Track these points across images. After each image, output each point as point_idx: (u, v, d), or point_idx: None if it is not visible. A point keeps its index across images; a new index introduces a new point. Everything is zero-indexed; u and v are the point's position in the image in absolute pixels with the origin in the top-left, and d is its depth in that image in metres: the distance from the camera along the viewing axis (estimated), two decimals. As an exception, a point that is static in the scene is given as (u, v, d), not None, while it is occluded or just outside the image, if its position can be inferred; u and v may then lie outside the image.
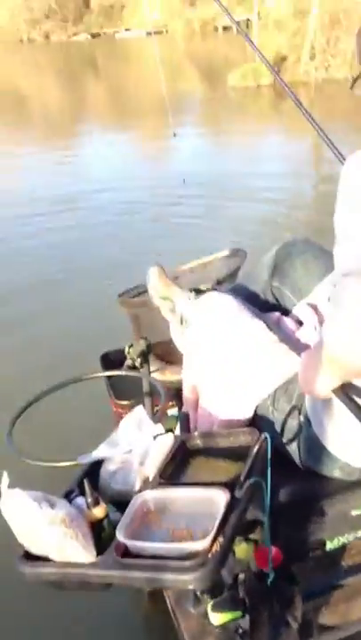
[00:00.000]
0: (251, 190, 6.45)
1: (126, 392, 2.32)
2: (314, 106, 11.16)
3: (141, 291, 2.45)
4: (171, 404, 2.25)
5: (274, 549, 1.33)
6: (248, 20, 24.52)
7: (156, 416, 1.97)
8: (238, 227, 5.34)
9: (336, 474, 1.42)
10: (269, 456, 1.28)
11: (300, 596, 1.43)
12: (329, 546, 1.49)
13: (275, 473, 1.30)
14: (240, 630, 1.50)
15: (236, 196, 6.32)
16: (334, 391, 1.19)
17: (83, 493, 1.37)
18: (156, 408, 2.12)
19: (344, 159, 1.82)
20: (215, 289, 1.79)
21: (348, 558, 1.70)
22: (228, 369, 1.55)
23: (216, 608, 1.38)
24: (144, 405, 2.23)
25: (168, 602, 1.77)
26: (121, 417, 2.31)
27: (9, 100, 15.57)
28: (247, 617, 1.37)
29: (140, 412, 1.48)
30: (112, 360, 2.48)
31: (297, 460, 1.47)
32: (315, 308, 1.54)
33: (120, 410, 2.32)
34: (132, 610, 2.18)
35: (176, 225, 5.66)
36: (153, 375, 2.12)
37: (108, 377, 2.38)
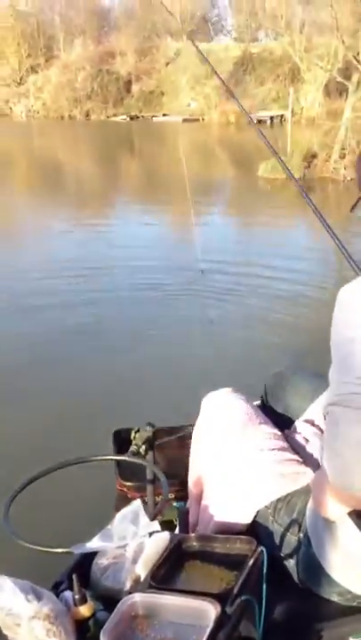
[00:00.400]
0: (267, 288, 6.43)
1: (133, 473, 2.29)
2: (341, 204, 11.45)
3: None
4: (173, 496, 2.21)
5: None
6: (282, 115, 25.63)
7: (158, 506, 1.94)
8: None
9: (334, 598, 1.37)
10: (265, 571, 1.24)
11: None
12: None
13: (270, 587, 1.27)
14: None
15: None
16: (349, 514, 1.18)
17: (72, 587, 1.34)
18: (158, 497, 2.09)
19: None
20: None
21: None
22: (233, 470, 1.53)
23: None
24: (145, 495, 2.22)
25: None
26: (126, 497, 2.29)
27: (48, 170, 16.14)
28: None
29: (137, 506, 1.46)
30: (124, 438, 2.44)
31: (295, 577, 1.42)
32: (312, 423, 1.55)
33: (125, 490, 2.29)
34: None
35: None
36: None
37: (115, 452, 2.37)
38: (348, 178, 12.53)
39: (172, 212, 9.85)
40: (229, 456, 1.55)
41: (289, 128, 18.84)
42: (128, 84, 35.42)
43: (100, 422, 3.29)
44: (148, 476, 2.13)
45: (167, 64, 35.05)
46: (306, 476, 1.47)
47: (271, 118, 26.25)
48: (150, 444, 2.12)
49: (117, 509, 2.35)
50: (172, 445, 2.35)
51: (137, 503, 1.47)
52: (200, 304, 5.81)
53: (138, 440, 2.07)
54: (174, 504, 2.19)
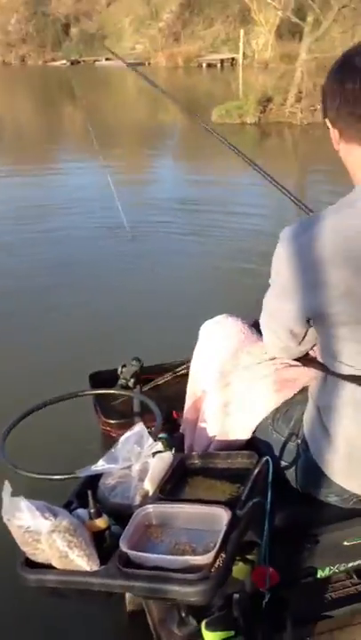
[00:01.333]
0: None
1: (115, 411, 2.35)
2: (298, 147, 11.52)
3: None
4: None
5: (271, 570, 1.36)
6: (233, 59, 25.23)
7: (155, 428, 2.01)
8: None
9: (332, 499, 1.47)
10: (270, 479, 1.32)
11: (291, 622, 1.46)
12: (320, 574, 1.53)
13: (272, 494, 1.35)
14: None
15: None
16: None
17: (82, 505, 1.40)
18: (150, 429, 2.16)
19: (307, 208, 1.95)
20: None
21: (336, 589, 1.75)
22: (232, 390, 1.60)
23: (210, 627, 1.41)
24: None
25: (150, 623, 1.79)
26: (110, 435, 2.35)
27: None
28: (240, 638, 1.39)
29: (140, 429, 1.52)
30: (101, 380, 2.49)
31: (294, 484, 1.51)
32: None
33: (108, 429, 2.34)
34: (112, 630, 2.17)
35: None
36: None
37: (97, 396, 2.41)
38: (305, 122, 12.53)
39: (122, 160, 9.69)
40: (227, 376, 1.62)
41: (240, 72, 18.66)
42: (66, 26, 33.88)
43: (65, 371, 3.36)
44: (136, 408, 2.20)
45: (108, 5, 33.75)
46: (304, 378, 1.56)
47: (222, 62, 25.82)
48: (138, 378, 2.18)
49: (104, 450, 2.43)
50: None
51: (140, 426, 1.53)
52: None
53: (125, 374, 2.13)
54: (160, 435, 2.27)
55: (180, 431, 1.86)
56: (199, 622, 1.62)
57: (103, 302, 4.61)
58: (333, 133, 1.37)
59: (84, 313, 4.40)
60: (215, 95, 16.96)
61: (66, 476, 1.54)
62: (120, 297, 4.72)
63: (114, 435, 2.33)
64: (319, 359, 1.46)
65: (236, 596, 1.40)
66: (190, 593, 1.16)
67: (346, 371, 1.35)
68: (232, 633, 1.40)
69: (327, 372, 1.41)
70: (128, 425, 2.24)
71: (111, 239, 6.01)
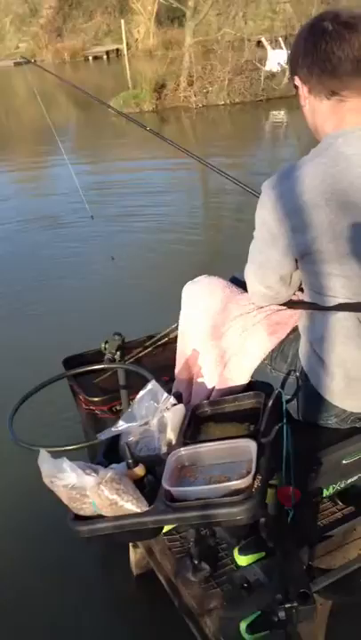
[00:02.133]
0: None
1: (97, 389, 2.43)
2: (196, 130, 11.76)
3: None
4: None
5: (293, 488, 1.52)
6: (118, 49, 25.21)
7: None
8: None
9: (332, 421, 1.64)
10: (285, 407, 1.48)
11: (307, 539, 1.63)
12: (325, 492, 1.70)
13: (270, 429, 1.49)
14: (245, 584, 1.69)
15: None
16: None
17: (112, 462, 1.51)
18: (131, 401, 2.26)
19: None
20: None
21: (325, 516, 1.93)
22: (226, 340, 1.74)
23: (242, 552, 1.55)
24: (116, 405, 2.38)
25: (163, 579, 1.91)
26: (92, 414, 2.44)
27: None
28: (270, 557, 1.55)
29: (153, 386, 1.63)
30: (75, 364, 2.55)
31: (295, 415, 1.68)
32: None
33: (92, 407, 2.42)
34: (121, 598, 2.28)
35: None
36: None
37: (75, 378, 2.48)
38: (200, 104, 12.82)
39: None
40: (220, 328, 1.76)
41: (127, 62, 18.70)
42: None
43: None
44: (121, 381, 2.30)
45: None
46: (293, 318, 1.71)
47: (107, 53, 25.75)
48: (122, 350, 2.28)
49: (88, 431, 2.51)
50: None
51: (152, 384, 1.64)
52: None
53: (110, 348, 2.22)
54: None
55: (174, 391, 1.98)
56: (211, 566, 1.77)
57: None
58: (302, 90, 1.53)
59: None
60: (106, 87, 16.96)
61: (91, 442, 1.65)
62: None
63: (98, 412, 2.43)
64: (305, 298, 1.62)
65: (262, 520, 1.55)
66: (238, 512, 1.30)
67: (333, 303, 1.51)
68: (263, 553, 1.56)
69: (315, 308, 1.57)
70: (113, 400, 2.36)
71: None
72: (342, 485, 1.75)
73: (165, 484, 1.37)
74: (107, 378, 2.44)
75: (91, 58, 26.04)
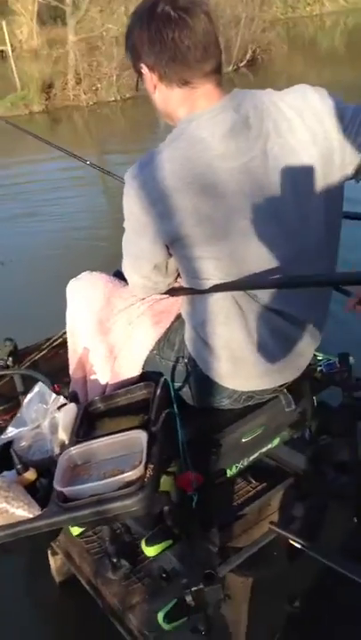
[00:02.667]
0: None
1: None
2: (90, 128, 11.66)
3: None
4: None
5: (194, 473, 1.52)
6: (2, 51, 24.60)
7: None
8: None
9: (225, 402, 1.65)
10: (173, 393, 1.48)
11: (215, 521, 1.64)
12: (229, 473, 1.71)
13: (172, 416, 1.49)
14: (163, 575, 1.69)
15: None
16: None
17: (4, 470, 1.47)
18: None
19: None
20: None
21: (240, 494, 1.96)
22: (114, 335, 1.72)
23: (149, 542, 1.54)
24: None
25: (84, 582, 1.89)
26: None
27: None
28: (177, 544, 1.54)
29: (40, 388, 1.60)
30: None
31: (190, 401, 1.67)
32: None
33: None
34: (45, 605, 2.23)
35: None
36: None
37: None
38: (91, 102, 12.70)
39: None
40: (105, 323, 1.73)
41: (12, 63, 18.28)
42: None
43: None
44: (19, 388, 2.24)
45: None
46: (176, 306, 1.70)
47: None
48: (15, 356, 2.22)
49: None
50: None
51: (38, 385, 1.61)
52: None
53: (2, 354, 2.16)
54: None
55: (71, 391, 1.95)
56: (131, 562, 1.76)
57: None
58: (150, 78, 1.50)
59: None
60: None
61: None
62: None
63: (1, 422, 2.36)
64: (183, 284, 1.62)
65: (165, 508, 1.55)
66: (132, 504, 1.28)
67: (208, 285, 1.51)
68: (170, 541, 1.55)
69: (193, 292, 1.57)
70: (13, 408, 2.29)
71: None
72: (245, 464, 1.77)
73: (57, 485, 1.33)
74: (4, 385, 2.37)
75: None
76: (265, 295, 1.50)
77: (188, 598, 1.37)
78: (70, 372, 1.93)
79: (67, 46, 13.32)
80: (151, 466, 1.33)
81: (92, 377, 1.81)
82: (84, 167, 2.97)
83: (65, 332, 2.44)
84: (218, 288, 1.51)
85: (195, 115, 1.43)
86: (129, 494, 1.28)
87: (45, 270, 4.88)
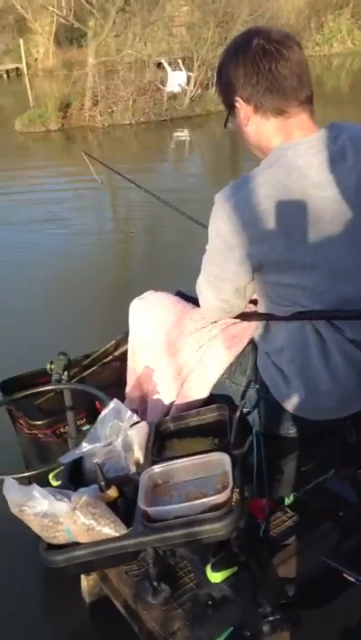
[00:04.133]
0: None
1: (39, 412, 2.35)
2: (103, 149, 11.75)
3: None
4: (83, 421, 2.32)
5: (266, 500, 1.53)
6: (18, 68, 24.90)
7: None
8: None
9: (292, 431, 1.66)
10: (254, 418, 1.49)
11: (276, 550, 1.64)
12: (287, 501, 1.72)
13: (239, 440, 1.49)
14: (210, 602, 1.67)
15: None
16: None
17: (79, 486, 1.47)
18: (79, 421, 2.21)
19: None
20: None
21: (278, 525, 1.95)
22: (183, 356, 1.73)
23: (215, 568, 1.53)
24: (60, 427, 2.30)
25: (119, 604, 1.87)
26: (35, 438, 2.35)
27: None
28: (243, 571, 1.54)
29: (116, 404, 1.59)
30: (12, 387, 2.46)
31: (257, 427, 1.68)
32: None
33: (35, 431, 2.34)
34: (74, 625, 2.20)
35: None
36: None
37: (14, 401, 2.38)
38: (106, 124, 12.84)
39: None
40: (175, 344, 1.74)
41: (27, 81, 18.50)
42: None
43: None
44: (67, 402, 2.23)
45: None
46: (249, 331, 1.72)
47: (7, 72, 25.31)
48: (69, 370, 2.22)
49: (30, 457, 2.42)
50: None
51: (114, 402, 1.60)
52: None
53: (57, 368, 2.16)
54: (85, 428, 2.32)
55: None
56: (171, 587, 1.75)
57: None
58: (245, 111, 1.54)
59: None
60: (7, 106, 16.74)
61: (51, 466, 1.59)
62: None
63: (42, 436, 2.35)
64: (260, 309, 1.64)
65: (233, 533, 1.54)
66: (220, 528, 1.29)
67: (289, 312, 1.53)
68: (235, 568, 1.54)
69: (271, 318, 1.59)
70: (57, 423, 2.29)
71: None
72: (301, 493, 1.78)
73: (142, 505, 1.34)
74: (48, 400, 2.37)
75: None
76: (347, 326, 1.53)
77: (266, 628, 1.37)
78: (127, 390, 1.94)
79: (86, 68, 13.47)
80: (237, 490, 1.34)
81: (155, 397, 1.82)
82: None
83: (108, 349, 2.47)
84: (300, 316, 1.53)
85: (291, 143, 1.47)
86: (217, 518, 1.29)
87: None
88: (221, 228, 1.51)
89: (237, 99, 1.55)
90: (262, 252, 1.46)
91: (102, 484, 1.39)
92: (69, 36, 24.18)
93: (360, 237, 1.47)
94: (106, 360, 2.41)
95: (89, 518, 1.31)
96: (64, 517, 1.32)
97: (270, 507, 1.54)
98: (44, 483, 1.85)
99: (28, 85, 17.95)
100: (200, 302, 1.71)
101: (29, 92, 16.01)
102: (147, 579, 1.74)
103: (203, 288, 1.66)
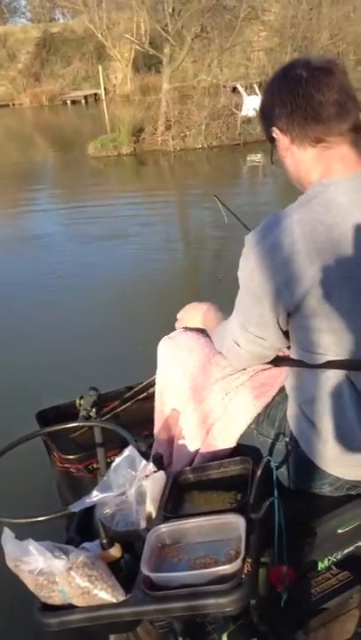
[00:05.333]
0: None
1: (72, 446, 2.28)
2: (175, 172, 11.86)
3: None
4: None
5: (287, 568, 1.38)
6: (96, 94, 25.58)
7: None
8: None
9: (325, 489, 1.51)
10: (275, 477, 1.35)
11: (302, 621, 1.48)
12: (320, 566, 1.56)
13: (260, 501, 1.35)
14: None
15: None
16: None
17: (85, 540, 1.36)
18: (109, 459, 2.12)
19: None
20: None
21: (319, 582, 1.79)
22: (210, 403, 1.61)
23: (232, 638, 1.39)
24: (92, 463, 2.22)
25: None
26: (68, 472, 2.28)
27: None
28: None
29: (131, 452, 1.49)
30: (49, 417, 2.41)
31: (286, 483, 1.54)
32: None
33: (67, 465, 2.26)
34: None
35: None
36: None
37: (50, 434, 2.33)
38: (178, 148, 12.93)
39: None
40: (201, 392, 1.62)
41: (104, 106, 18.94)
42: None
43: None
44: (98, 439, 2.15)
45: None
46: (279, 379, 1.59)
47: (85, 97, 26.07)
48: (98, 407, 2.13)
49: (64, 491, 2.35)
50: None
51: (129, 449, 1.50)
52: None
53: (86, 404, 2.07)
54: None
55: (155, 453, 1.84)
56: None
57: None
58: (283, 141, 1.44)
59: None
60: (85, 130, 17.18)
61: (59, 514, 1.49)
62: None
63: (74, 471, 2.27)
64: (292, 356, 1.50)
65: (252, 601, 1.40)
66: (227, 603, 1.15)
67: (322, 360, 1.40)
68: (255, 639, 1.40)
69: (303, 366, 1.45)
70: (90, 458, 2.21)
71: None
72: (338, 557, 1.61)
73: (145, 570, 1.21)
74: (83, 434, 2.29)
75: (69, 102, 26.35)
76: None
77: None
78: (155, 431, 1.83)
79: (160, 93, 13.65)
80: (249, 560, 1.20)
81: (181, 442, 1.70)
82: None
83: (147, 385, 2.37)
84: (333, 365, 1.39)
85: (333, 180, 1.34)
86: (225, 592, 1.15)
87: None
88: (253, 272, 1.39)
89: (274, 129, 1.45)
90: (296, 297, 1.34)
91: (104, 541, 1.28)
92: (148, 62, 24.69)
93: None
94: (140, 397, 2.31)
95: (85, 580, 1.20)
96: (59, 577, 1.22)
97: (292, 576, 1.38)
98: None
99: (105, 110, 18.32)
100: (226, 349, 1.59)
101: (106, 116, 16.32)
102: (172, 632, 1.61)
103: (235, 335, 1.53)
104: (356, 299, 1.32)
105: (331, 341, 1.38)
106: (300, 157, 1.42)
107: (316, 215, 1.31)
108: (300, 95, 1.35)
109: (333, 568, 1.86)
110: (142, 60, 24.85)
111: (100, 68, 24.21)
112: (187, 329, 1.77)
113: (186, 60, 14.88)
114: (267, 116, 1.46)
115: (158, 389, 1.79)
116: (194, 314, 1.79)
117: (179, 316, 1.84)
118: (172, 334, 1.77)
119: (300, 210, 1.33)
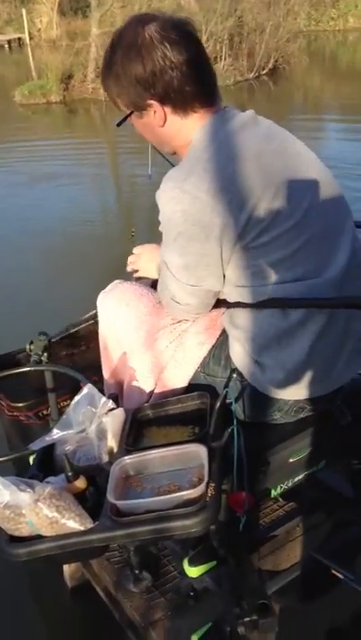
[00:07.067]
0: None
1: (22, 392, 2.26)
2: (107, 121, 11.55)
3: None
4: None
5: (246, 494, 1.44)
6: (20, 38, 24.52)
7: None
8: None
9: (277, 416, 1.57)
10: (234, 408, 1.40)
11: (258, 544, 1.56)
12: (273, 493, 1.64)
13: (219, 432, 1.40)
14: (192, 593, 1.60)
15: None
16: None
17: (47, 475, 1.38)
18: (63, 403, 2.12)
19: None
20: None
21: (267, 514, 1.88)
22: (157, 347, 1.62)
23: (193, 562, 1.46)
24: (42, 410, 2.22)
25: (101, 591, 1.80)
26: (17, 420, 2.27)
27: None
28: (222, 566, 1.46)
29: (90, 390, 1.50)
30: None
31: (240, 416, 1.59)
32: None
33: (16, 413, 2.25)
34: (55, 609, 2.15)
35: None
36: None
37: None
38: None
39: None
40: (153, 335, 1.63)
41: (29, 51, 18.21)
42: None
43: None
44: (48, 384, 2.15)
45: None
46: (219, 321, 1.61)
47: (9, 42, 24.90)
48: (49, 351, 2.13)
49: (13, 440, 2.34)
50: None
51: (88, 387, 1.51)
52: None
53: (36, 349, 2.07)
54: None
55: (110, 393, 1.86)
56: (154, 575, 1.67)
57: None
58: (159, 113, 1.45)
59: None
60: (9, 76, 16.51)
61: (21, 453, 1.50)
62: None
63: (23, 419, 2.26)
64: (228, 297, 1.51)
65: (212, 526, 1.46)
66: (193, 524, 1.20)
67: (261, 296, 1.43)
68: (214, 563, 1.47)
69: (242, 306, 1.48)
70: (40, 405, 2.20)
71: None
72: (289, 484, 1.70)
73: (111, 497, 1.25)
74: (32, 380, 2.28)
75: (-10, 47, 25.17)
76: None
77: (241, 629, 1.29)
78: (105, 377, 1.84)
79: (90, 38, 13.19)
80: (213, 484, 1.25)
81: (134, 383, 1.71)
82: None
83: (88, 318, 2.35)
84: (269, 303, 1.44)
85: (216, 116, 1.45)
86: (190, 514, 1.20)
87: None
88: (188, 210, 1.36)
89: (151, 102, 1.44)
90: (248, 211, 1.35)
91: (69, 474, 1.30)
92: (74, 6, 23.80)
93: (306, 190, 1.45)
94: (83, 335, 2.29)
95: (52, 511, 1.23)
96: (26, 509, 1.24)
97: (251, 501, 1.45)
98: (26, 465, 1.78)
99: (30, 56, 17.61)
100: (169, 309, 1.60)
101: (31, 62, 15.70)
102: (128, 566, 1.67)
103: (171, 291, 1.53)
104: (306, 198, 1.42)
105: (273, 270, 1.41)
106: (181, 125, 1.46)
107: (230, 140, 1.39)
108: (180, 65, 1.40)
109: (280, 500, 1.96)
110: (68, 3, 23.91)
111: (23, 11, 23.19)
112: (122, 281, 1.77)
113: (115, 5, 14.39)
114: (137, 85, 1.43)
115: (102, 344, 1.80)
116: (149, 267, 1.78)
117: (132, 260, 1.83)
118: (108, 288, 1.76)
119: (211, 144, 1.39)
